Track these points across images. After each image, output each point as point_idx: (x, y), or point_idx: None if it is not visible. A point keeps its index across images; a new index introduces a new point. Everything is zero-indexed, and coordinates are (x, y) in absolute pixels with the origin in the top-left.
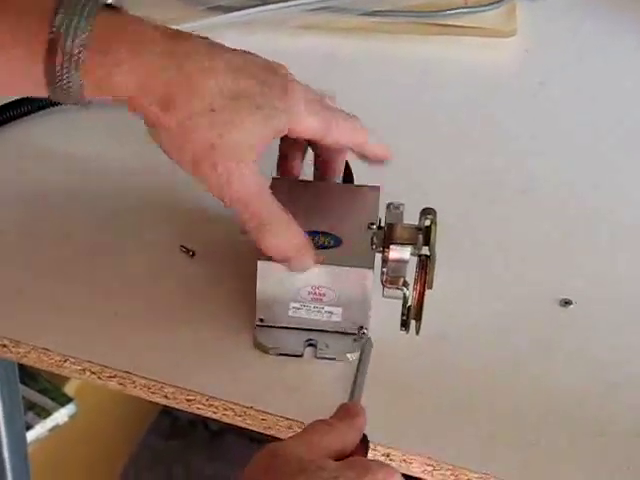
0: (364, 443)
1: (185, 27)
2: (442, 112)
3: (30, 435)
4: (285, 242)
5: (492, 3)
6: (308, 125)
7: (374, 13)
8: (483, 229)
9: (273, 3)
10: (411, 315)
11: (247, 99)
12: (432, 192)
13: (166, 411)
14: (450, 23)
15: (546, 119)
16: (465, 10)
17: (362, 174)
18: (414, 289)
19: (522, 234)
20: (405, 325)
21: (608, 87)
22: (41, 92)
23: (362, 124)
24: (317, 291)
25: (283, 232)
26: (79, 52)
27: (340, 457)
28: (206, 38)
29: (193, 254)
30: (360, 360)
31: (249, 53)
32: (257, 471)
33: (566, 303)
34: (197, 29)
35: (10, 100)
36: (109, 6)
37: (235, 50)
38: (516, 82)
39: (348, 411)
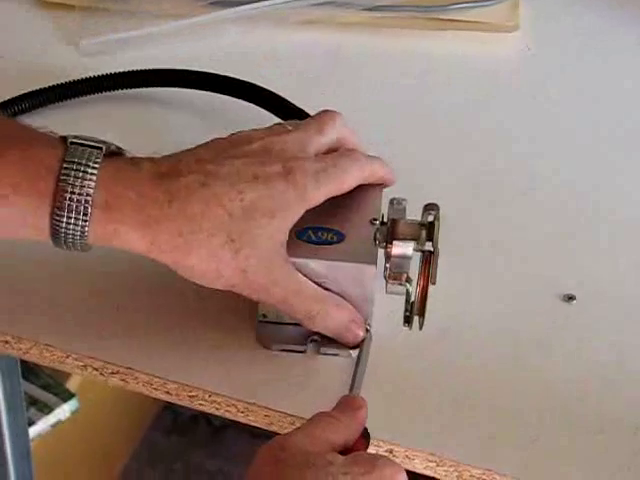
0: (365, 436)
1: (187, 22)
2: (444, 107)
3: (32, 431)
4: (334, 323)
5: None
6: (320, 197)
7: (377, 8)
8: (484, 227)
9: None
10: (414, 311)
11: (258, 212)
12: (432, 190)
13: (168, 407)
14: (452, 18)
15: (547, 116)
16: (468, 5)
17: None
18: (417, 285)
19: (523, 233)
20: (408, 321)
21: (610, 84)
22: (42, 239)
23: (365, 158)
24: (320, 286)
25: (330, 316)
26: (85, 209)
27: (342, 450)
28: (193, 150)
29: None
30: (359, 354)
31: (237, 141)
32: (263, 465)
33: (569, 298)
34: (199, 24)
35: (10, 97)
36: (111, 151)
37: (223, 153)
38: (518, 77)
39: (350, 404)
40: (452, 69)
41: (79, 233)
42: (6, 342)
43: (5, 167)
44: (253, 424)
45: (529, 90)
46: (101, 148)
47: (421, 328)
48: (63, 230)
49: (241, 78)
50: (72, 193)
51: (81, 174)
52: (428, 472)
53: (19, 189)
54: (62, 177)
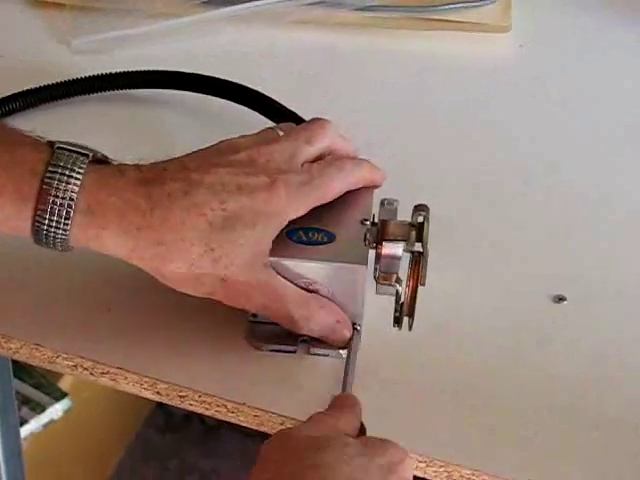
0: (363, 432)
1: (181, 21)
2: (438, 107)
3: (25, 430)
4: (319, 325)
5: None
6: (303, 209)
7: (370, 8)
8: (482, 225)
9: None
10: (404, 311)
11: (239, 222)
12: (430, 189)
13: (161, 406)
14: (446, 18)
15: (542, 115)
16: (460, 5)
17: None
18: (407, 285)
19: (521, 232)
20: (398, 321)
21: (605, 83)
22: (24, 237)
23: (352, 165)
24: (310, 287)
25: (314, 319)
26: (67, 213)
27: None
28: (179, 158)
29: None
30: (348, 354)
31: (223, 150)
32: (272, 452)
33: (560, 299)
34: (193, 23)
35: (2, 96)
36: (97, 159)
37: (209, 161)
38: (511, 77)
39: (345, 401)
40: (446, 69)
41: (60, 236)
42: None
43: None
44: (243, 424)
45: (524, 89)
46: (87, 155)
47: (410, 329)
48: (44, 232)
49: (235, 79)
50: (55, 197)
51: (65, 178)
52: (418, 473)
53: (3, 191)
54: (46, 180)
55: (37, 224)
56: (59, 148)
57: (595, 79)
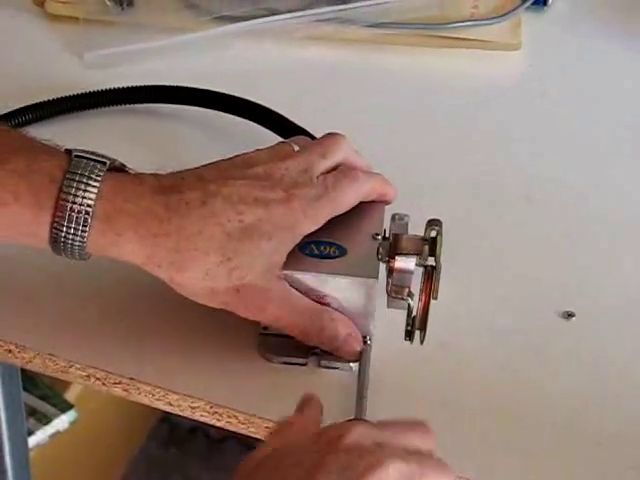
0: None
1: (191, 37)
2: (447, 124)
3: (31, 441)
4: (329, 338)
5: (498, 16)
6: (319, 222)
7: (380, 25)
8: (485, 237)
9: (280, 14)
10: (415, 325)
11: (256, 233)
12: (434, 202)
13: (165, 418)
14: (456, 36)
15: (549, 133)
16: (471, 23)
17: None
18: (419, 299)
19: (524, 243)
20: (410, 335)
21: (613, 102)
22: (42, 246)
23: (365, 176)
24: (322, 300)
25: (325, 331)
26: (85, 220)
27: None
28: (196, 169)
29: None
30: (360, 368)
31: (240, 163)
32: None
33: (569, 315)
34: (203, 39)
35: (15, 108)
36: (115, 167)
37: (226, 173)
38: (520, 95)
39: (303, 402)
40: (456, 86)
41: (78, 243)
42: (9, 351)
43: (8, 175)
44: (254, 436)
45: (532, 106)
46: (105, 162)
47: (422, 342)
48: (62, 239)
49: (244, 94)
50: (73, 203)
51: (83, 185)
52: None
53: (21, 197)
54: (64, 188)
55: (55, 231)
56: (77, 156)
57: (604, 97)
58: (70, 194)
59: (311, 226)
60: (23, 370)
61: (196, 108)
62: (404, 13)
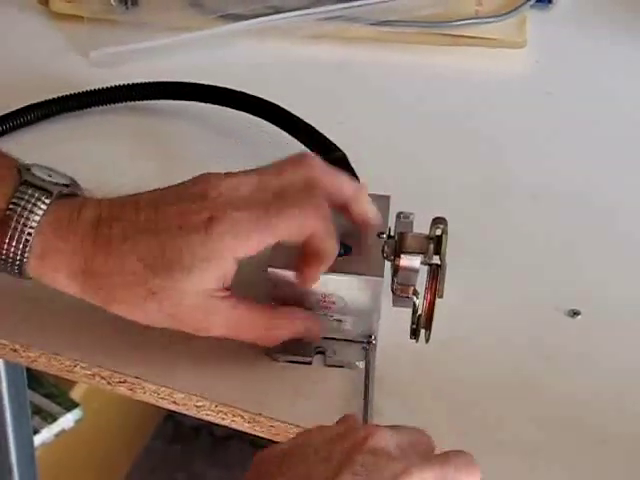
0: None
1: (196, 35)
2: (452, 122)
3: (36, 440)
4: (288, 332)
5: (503, 14)
6: (246, 249)
7: (385, 23)
8: (489, 238)
9: (284, 12)
10: (421, 324)
11: (176, 267)
12: (439, 200)
13: (170, 416)
14: (460, 33)
15: (555, 130)
16: (476, 21)
17: (374, 185)
18: (424, 298)
19: (528, 244)
20: (415, 334)
21: (619, 99)
22: None
23: (321, 200)
24: (326, 299)
25: (282, 334)
26: (22, 255)
27: None
28: (141, 195)
29: None
30: (366, 370)
31: (186, 184)
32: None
33: (575, 314)
34: (208, 37)
35: (20, 107)
36: (62, 194)
37: (165, 197)
38: (526, 93)
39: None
40: (459, 84)
41: (17, 271)
42: (14, 350)
43: None
44: (259, 434)
45: (537, 104)
46: (51, 193)
47: (427, 341)
48: (2, 267)
49: (248, 92)
50: (11, 238)
51: (23, 220)
52: None
53: None
54: (4, 221)
55: None
56: (24, 182)
57: (609, 94)
58: (10, 228)
59: (240, 251)
60: (28, 369)
61: (197, 104)
62: (409, 11)
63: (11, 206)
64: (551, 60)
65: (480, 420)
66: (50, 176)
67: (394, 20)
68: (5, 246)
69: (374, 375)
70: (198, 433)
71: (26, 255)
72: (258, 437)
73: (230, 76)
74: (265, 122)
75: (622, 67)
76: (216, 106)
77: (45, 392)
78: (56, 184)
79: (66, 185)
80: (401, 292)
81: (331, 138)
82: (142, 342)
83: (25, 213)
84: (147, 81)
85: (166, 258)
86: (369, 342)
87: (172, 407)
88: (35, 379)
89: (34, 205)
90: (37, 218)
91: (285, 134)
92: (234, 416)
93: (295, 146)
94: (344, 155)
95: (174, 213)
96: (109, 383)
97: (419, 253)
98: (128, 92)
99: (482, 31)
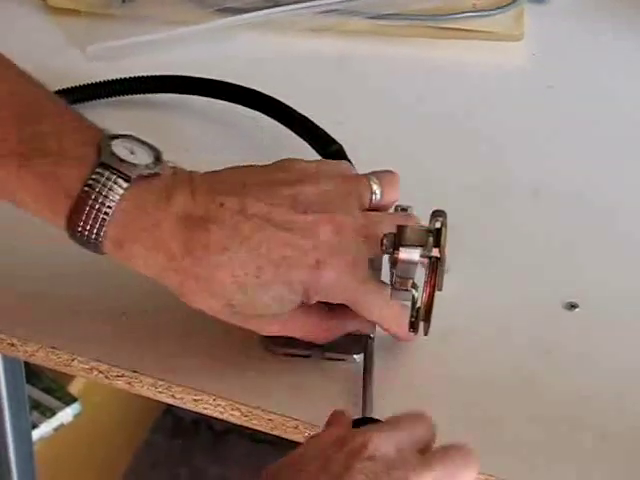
0: None
1: (194, 29)
2: (449, 115)
3: (35, 434)
4: (340, 332)
5: (500, 7)
6: (341, 298)
7: (383, 16)
8: (487, 232)
9: (282, 5)
10: (420, 316)
11: (268, 292)
12: (438, 194)
13: (170, 411)
14: (458, 26)
15: (553, 123)
16: (473, 14)
17: None
18: (424, 291)
19: (527, 238)
20: (414, 326)
21: (618, 92)
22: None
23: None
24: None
25: (336, 331)
26: (96, 240)
27: None
28: (250, 192)
29: None
30: (365, 365)
31: (296, 200)
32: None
33: (572, 306)
34: (206, 31)
35: None
36: (144, 176)
37: (271, 211)
38: (523, 86)
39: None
40: (457, 77)
41: (92, 249)
42: (12, 344)
43: (30, 177)
44: (257, 428)
45: (536, 98)
46: (129, 177)
47: (426, 334)
48: (78, 242)
49: (247, 85)
50: (85, 222)
51: (98, 206)
52: None
53: (38, 201)
54: (79, 204)
55: (71, 234)
56: (102, 165)
57: (608, 88)
58: (83, 213)
59: (330, 297)
60: (27, 363)
61: (196, 97)
62: (407, 4)
63: (86, 189)
64: (548, 53)
65: (475, 415)
66: (132, 153)
67: (392, 13)
68: (80, 229)
69: (373, 369)
70: (198, 427)
71: (100, 240)
72: (258, 431)
73: (229, 70)
74: (263, 115)
75: (620, 60)
76: (214, 100)
77: (44, 386)
78: (136, 165)
79: (150, 164)
80: (400, 285)
81: (329, 132)
82: (140, 336)
83: (100, 198)
84: (145, 74)
85: (260, 282)
86: (368, 336)
87: (170, 401)
88: (34, 374)
89: (110, 189)
90: (113, 204)
91: (283, 127)
92: (232, 410)
93: (292, 139)
94: (341, 147)
95: (281, 241)
96: (107, 377)
97: (418, 246)
98: (126, 86)
99: (479, 24)
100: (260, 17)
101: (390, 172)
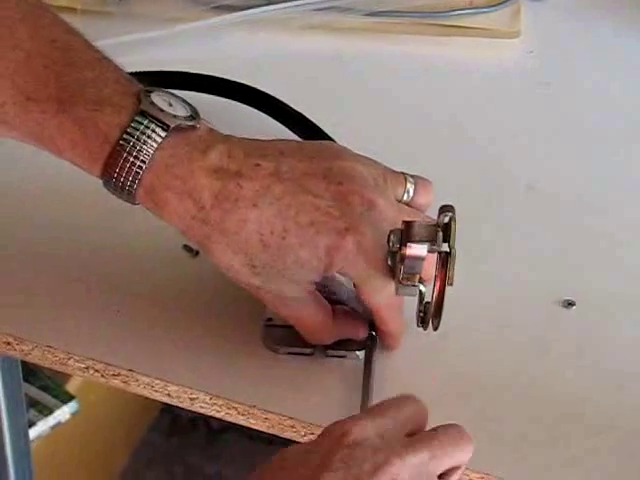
0: None
1: (189, 26)
2: (445, 112)
3: (32, 432)
4: (339, 336)
5: (496, 4)
6: (365, 272)
7: (378, 13)
8: (484, 231)
9: (277, 3)
10: (430, 312)
11: (291, 256)
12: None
13: (167, 409)
14: (454, 24)
15: (550, 120)
16: (469, 11)
17: None
18: (434, 286)
19: (524, 237)
20: (423, 322)
21: (614, 89)
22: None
23: None
24: (326, 289)
25: (337, 333)
26: (130, 186)
27: None
28: (287, 153)
29: (197, 253)
30: (367, 360)
31: (329, 169)
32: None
33: (569, 304)
34: (201, 28)
35: None
36: (182, 127)
37: (305, 175)
38: (520, 83)
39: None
40: (455, 74)
41: (126, 196)
42: (8, 343)
43: (69, 123)
44: (254, 427)
45: (532, 95)
46: (168, 126)
47: (436, 329)
48: (112, 188)
49: (242, 82)
50: (122, 169)
51: (135, 153)
52: None
53: (76, 148)
54: (117, 150)
55: (106, 181)
56: (141, 113)
57: (605, 85)
58: (121, 159)
59: (337, 269)
60: (24, 361)
61: (189, 93)
62: (402, 1)
63: (125, 136)
64: (545, 50)
65: (475, 410)
66: (171, 105)
67: (387, 11)
68: (115, 175)
69: (375, 366)
70: (195, 425)
71: (135, 187)
72: (255, 430)
73: (223, 67)
74: (256, 111)
75: (617, 57)
76: (207, 95)
77: (41, 385)
78: (175, 116)
79: (188, 117)
80: (407, 280)
81: (323, 128)
82: (136, 334)
83: (138, 145)
84: (138, 71)
85: (285, 243)
86: (370, 333)
87: (166, 400)
88: (31, 372)
89: (148, 137)
90: (150, 151)
91: (277, 122)
92: (228, 408)
93: (287, 135)
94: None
95: (309, 202)
96: (103, 376)
97: (427, 241)
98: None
99: (476, 21)
100: (255, 15)
101: (426, 179)
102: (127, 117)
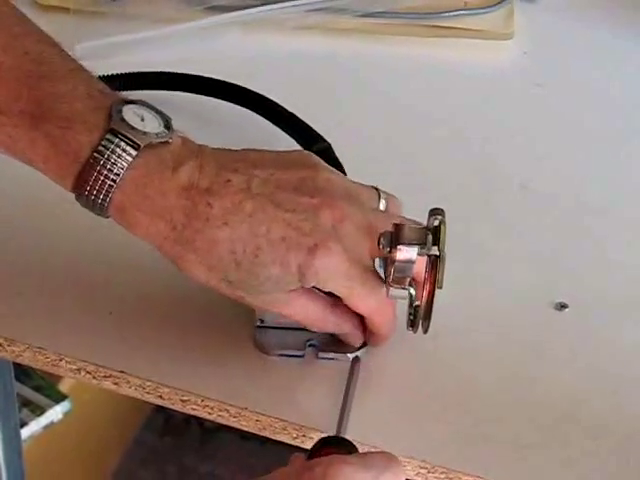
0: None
1: (183, 27)
2: (439, 114)
3: (24, 432)
4: (334, 331)
5: (490, 5)
6: (340, 285)
7: (373, 14)
8: (478, 232)
9: (272, 3)
10: (419, 315)
11: (264, 271)
12: (428, 191)
13: (160, 408)
14: (448, 25)
15: (545, 121)
16: (463, 12)
17: (361, 176)
18: (424, 289)
19: (518, 239)
20: (413, 324)
21: (608, 90)
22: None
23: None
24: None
25: (329, 328)
26: (101, 205)
27: None
28: (258, 167)
29: None
30: (347, 384)
31: (302, 181)
32: None
33: (562, 307)
34: (195, 29)
35: None
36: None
37: (278, 189)
38: (514, 84)
39: None
40: (449, 76)
41: (97, 214)
42: None
43: (40, 139)
44: (245, 429)
45: (526, 96)
46: (138, 146)
47: (426, 332)
48: (84, 206)
49: (236, 83)
50: (92, 187)
51: (105, 172)
52: (419, 479)
53: (48, 162)
54: (87, 169)
55: (77, 196)
56: (111, 131)
57: (598, 86)
58: (91, 178)
59: (329, 285)
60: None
61: (181, 94)
62: (397, 2)
63: (95, 154)
64: (539, 51)
65: (468, 413)
66: (143, 120)
67: (382, 12)
68: (87, 192)
69: (354, 392)
70: (188, 425)
71: (106, 205)
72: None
73: (217, 68)
74: (250, 112)
75: (611, 57)
76: (200, 96)
77: (33, 384)
78: (146, 133)
79: (160, 133)
80: (397, 284)
81: (317, 129)
82: (128, 336)
83: (108, 164)
84: (131, 72)
85: (258, 261)
86: (356, 353)
87: (158, 402)
88: (23, 371)
89: (118, 157)
90: (121, 171)
91: (271, 124)
92: (220, 411)
93: (280, 136)
94: (329, 145)
95: (282, 222)
96: (94, 377)
97: (417, 244)
98: (114, 83)
99: (470, 22)
100: (249, 15)
101: (396, 198)
102: (98, 135)
